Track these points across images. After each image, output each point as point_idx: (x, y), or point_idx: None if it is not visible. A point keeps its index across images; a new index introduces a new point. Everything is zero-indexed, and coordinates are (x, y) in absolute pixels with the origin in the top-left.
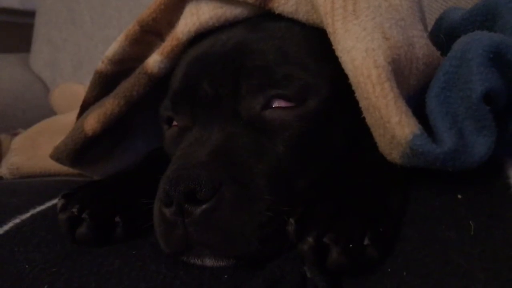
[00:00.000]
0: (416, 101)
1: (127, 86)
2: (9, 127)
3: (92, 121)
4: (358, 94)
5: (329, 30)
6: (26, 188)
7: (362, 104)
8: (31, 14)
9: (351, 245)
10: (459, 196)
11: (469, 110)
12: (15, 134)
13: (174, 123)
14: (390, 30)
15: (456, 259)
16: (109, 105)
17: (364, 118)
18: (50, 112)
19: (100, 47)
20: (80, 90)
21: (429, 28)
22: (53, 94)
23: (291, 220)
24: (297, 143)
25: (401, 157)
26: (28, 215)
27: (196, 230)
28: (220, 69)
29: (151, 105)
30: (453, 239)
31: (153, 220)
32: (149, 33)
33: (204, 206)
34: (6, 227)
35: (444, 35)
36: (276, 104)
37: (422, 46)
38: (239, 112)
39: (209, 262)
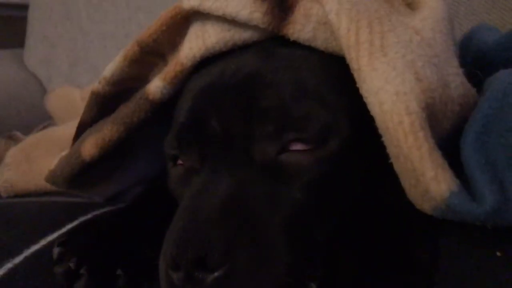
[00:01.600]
0: (448, 143)
1: (127, 112)
2: (4, 129)
3: (89, 147)
4: (386, 140)
5: (353, 66)
6: (21, 215)
7: (391, 151)
8: (24, 7)
9: None
10: (498, 254)
11: (511, 159)
12: (10, 137)
13: (179, 161)
14: (423, 69)
15: None
16: (108, 131)
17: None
18: (46, 112)
19: (97, 43)
20: (76, 95)
21: None
22: (49, 99)
23: (313, 286)
24: (316, 188)
25: (433, 209)
26: (21, 258)
27: None
28: (231, 105)
29: (153, 125)
30: None
31: (159, 278)
32: (150, 54)
33: (216, 274)
34: None
35: (472, 58)
36: (293, 147)
37: (457, 85)
38: (252, 156)
39: None
